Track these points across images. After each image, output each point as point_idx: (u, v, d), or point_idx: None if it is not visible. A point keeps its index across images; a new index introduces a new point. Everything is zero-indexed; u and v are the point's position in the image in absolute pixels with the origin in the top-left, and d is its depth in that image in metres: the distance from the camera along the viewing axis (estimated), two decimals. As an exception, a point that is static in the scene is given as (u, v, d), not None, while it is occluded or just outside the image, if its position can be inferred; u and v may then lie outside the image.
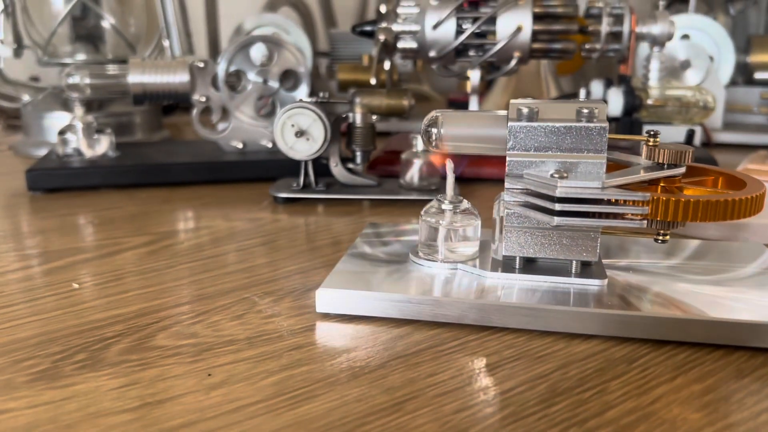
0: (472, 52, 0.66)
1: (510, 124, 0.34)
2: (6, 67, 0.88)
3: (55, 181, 0.62)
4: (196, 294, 0.38)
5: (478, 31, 0.64)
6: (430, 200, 0.38)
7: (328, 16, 1.28)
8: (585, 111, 0.33)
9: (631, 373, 0.29)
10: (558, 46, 0.65)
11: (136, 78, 0.65)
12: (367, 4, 1.31)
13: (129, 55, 0.86)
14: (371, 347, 0.31)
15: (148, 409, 0.26)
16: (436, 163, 0.57)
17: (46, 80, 0.93)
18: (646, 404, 0.26)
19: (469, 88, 0.70)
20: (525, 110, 0.34)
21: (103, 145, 0.66)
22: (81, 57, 0.84)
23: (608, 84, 0.75)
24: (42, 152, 0.75)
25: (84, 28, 0.84)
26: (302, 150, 0.56)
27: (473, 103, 0.70)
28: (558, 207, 0.33)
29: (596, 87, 0.75)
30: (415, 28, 0.65)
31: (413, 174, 0.58)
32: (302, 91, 0.69)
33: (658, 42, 0.69)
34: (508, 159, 0.34)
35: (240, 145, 0.68)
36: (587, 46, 0.67)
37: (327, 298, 0.34)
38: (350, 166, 0.59)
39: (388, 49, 0.66)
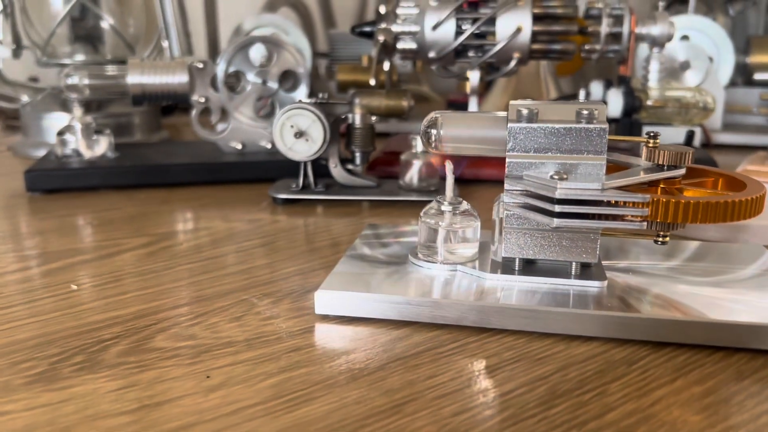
0: (471, 53, 0.66)
1: (509, 125, 0.34)
2: (5, 67, 0.88)
3: (54, 181, 0.62)
4: (195, 295, 0.38)
5: (477, 31, 0.64)
6: (430, 201, 0.38)
7: (327, 17, 1.28)
8: (585, 112, 0.33)
9: (631, 375, 0.29)
10: (557, 47, 0.65)
11: (135, 79, 0.65)
12: (367, 5, 1.31)
13: (128, 55, 0.85)
14: (370, 349, 0.31)
15: (146, 412, 0.26)
16: (436, 164, 0.57)
17: (45, 81, 0.93)
18: (646, 406, 0.26)
19: (468, 89, 0.70)
20: (524, 111, 0.33)
21: (102, 145, 0.66)
22: (80, 58, 0.84)
23: (608, 85, 0.75)
24: (41, 153, 0.75)
25: (83, 29, 0.84)
26: (301, 151, 0.56)
27: (473, 104, 0.70)
28: (558, 208, 0.32)
29: (596, 88, 0.75)
30: (414, 28, 0.65)
31: (413, 175, 0.58)
32: (301, 92, 0.69)
33: (658, 43, 0.69)
34: (507, 160, 0.34)
35: (239, 146, 0.68)
36: (587, 47, 0.67)
37: (326, 299, 0.34)
38: (349, 167, 0.59)
39: (388, 49, 0.66)
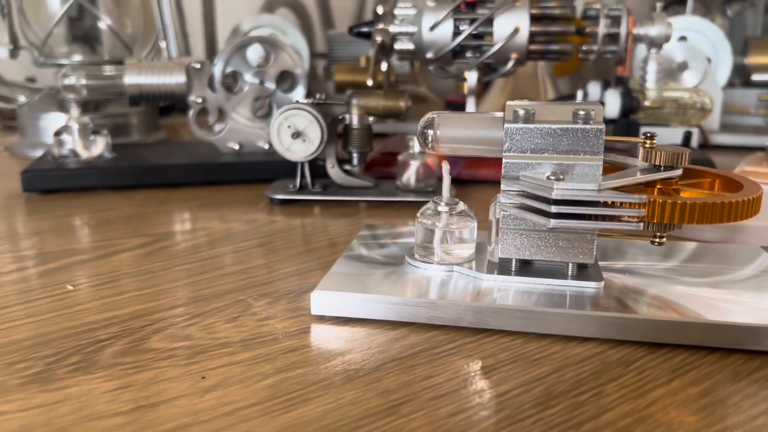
0: (469, 54, 0.66)
1: (506, 125, 0.34)
2: (2, 67, 0.88)
3: (51, 182, 0.62)
4: (192, 296, 0.38)
5: (475, 32, 0.64)
6: (427, 202, 0.38)
7: (325, 18, 1.28)
8: (581, 113, 0.33)
9: (627, 376, 0.29)
10: (555, 48, 0.65)
11: (132, 79, 0.65)
12: (365, 6, 1.31)
13: (125, 56, 0.85)
14: (366, 350, 0.31)
15: (141, 412, 0.26)
16: (433, 165, 0.57)
17: (42, 81, 0.93)
18: (642, 407, 0.26)
19: (466, 90, 0.70)
20: (521, 112, 0.33)
21: (99, 146, 0.65)
22: (77, 58, 0.84)
23: (605, 85, 0.75)
24: (38, 153, 0.75)
25: (80, 29, 0.84)
26: (299, 151, 0.56)
27: (470, 105, 0.70)
28: (554, 209, 0.32)
29: (593, 89, 0.75)
30: (412, 29, 0.65)
31: (410, 175, 0.58)
32: (299, 93, 0.69)
33: (656, 44, 0.69)
34: (504, 161, 0.34)
35: (236, 147, 0.68)
36: (584, 48, 0.67)
37: (322, 300, 0.34)
38: (347, 167, 0.58)
39: (385, 50, 0.66)
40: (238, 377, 0.29)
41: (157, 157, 0.67)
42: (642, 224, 0.32)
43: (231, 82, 0.68)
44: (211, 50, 1.14)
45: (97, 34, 0.85)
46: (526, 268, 0.36)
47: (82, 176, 0.62)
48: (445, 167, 0.37)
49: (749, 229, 0.45)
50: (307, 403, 0.27)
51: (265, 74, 0.68)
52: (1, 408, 0.26)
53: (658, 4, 0.76)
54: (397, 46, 0.66)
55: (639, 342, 0.31)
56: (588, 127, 0.33)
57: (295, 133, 0.55)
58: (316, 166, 0.58)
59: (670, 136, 0.75)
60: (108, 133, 0.67)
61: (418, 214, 0.37)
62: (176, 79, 0.65)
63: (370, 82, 0.68)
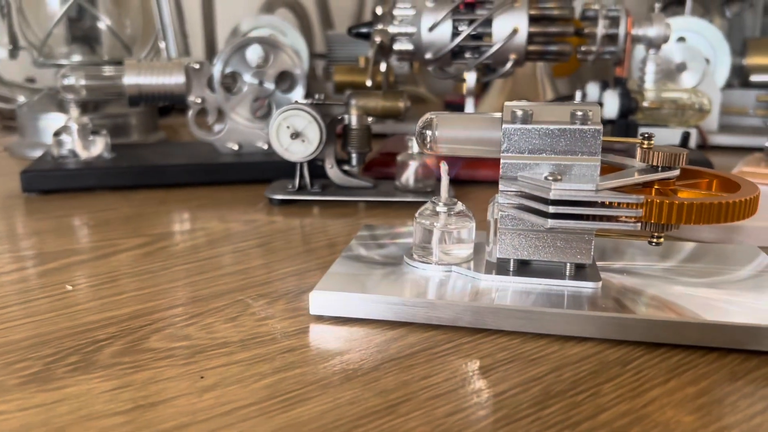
0: (468, 54, 0.66)
1: (504, 126, 0.34)
2: (2, 68, 0.88)
3: (50, 182, 0.62)
4: (191, 296, 0.38)
5: (474, 33, 0.64)
6: (425, 202, 0.38)
7: (324, 18, 1.28)
8: (579, 113, 0.33)
9: (624, 376, 0.29)
10: (554, 49, 0.65)
11: (131, 79, 0.65)
12: (364, 6, 1.31)
13: (125, 56, 0.85)
14: (365, 350, 0.31)
15: (140, 412, 0.26)
16: (432, 165, 0.57)
17: (41, 81, 0.93)
18: (639, 407, 0.26)
19: (465, 90, 0.70)
20: (519, 112, 0.34)
21: (99, 146, 0.66)
22: (77, 58, 0.84)
23: (604, 86, 0.75)
24: (37, 153, 0.75)
25: (80, 30, 0.84)
26: (298, 152, 0.56)
27: (469, 105, 0.70)
28: (552, 209, 0.33)
29: (592, 89, 0.75)
30: (411, 30, 0.65)
31: (409, 176, 0.58)
32: (298, 93, 0.69)
33: (654, 44, 0.69)
34: (502, 161, 0.34)
35: (236, 147, 0.68)
36: (583, 49, 0.67)
37: (321, 300, 0.34)
38: (346, 167, 0.59)
39: (385, 50, 0.66)
40: (237, 377, 0.29)
41: (156, 157, 0.68)
42: (639, 224, 0.33)
43: (230, 82, 0.68)
44: (211, 51, 1.14)
45: (97, 35, 0.85)
46: (524, 268, 0.36)
47: (82, 176, 0.63)
48: (444, 168, 0.37)
49: (747, 230, 0.45)
50: (306, 402, 0.27)
51: (265, 75, 0.68)
52: (0, 408, 0.26)
53: (657, 5, 0.76)
54: (396, 46, 0.66)
55: (636, 342, 0.32)
56: (586, 127, 0.33)
57: (294, 133, 0.55)
58: (315, 167, 0.58)
59: (668, 136, 0.76)
60: (107, 133, 0.67)
61: (417, 215, 0.38)
62: (175, 79, 0.65)
63: (369, 83, 0.68)
